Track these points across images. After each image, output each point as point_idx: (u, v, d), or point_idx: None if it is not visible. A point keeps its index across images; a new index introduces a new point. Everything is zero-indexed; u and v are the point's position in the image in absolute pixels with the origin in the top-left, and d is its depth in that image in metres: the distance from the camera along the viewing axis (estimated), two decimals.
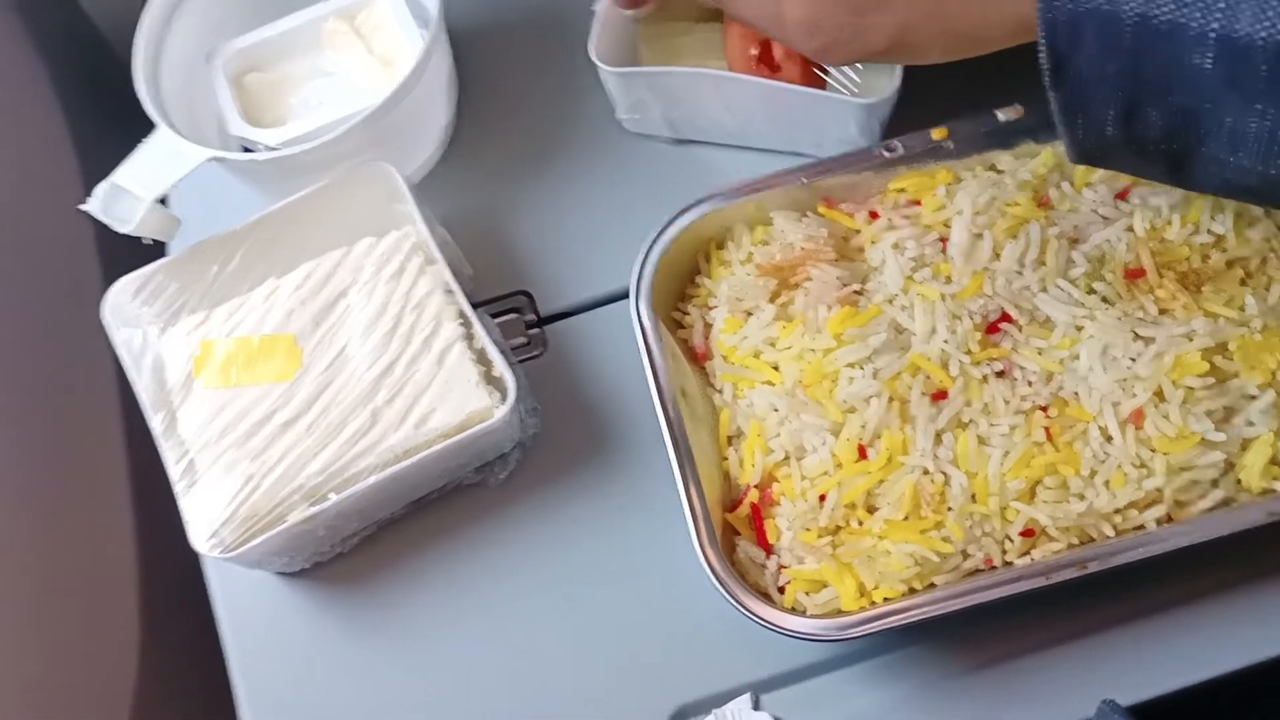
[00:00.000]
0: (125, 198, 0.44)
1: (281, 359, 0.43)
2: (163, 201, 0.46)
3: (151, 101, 0.46)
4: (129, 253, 0.47)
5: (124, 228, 0.44)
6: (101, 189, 0.44)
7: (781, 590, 0.40)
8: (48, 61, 0.60)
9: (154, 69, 0.48)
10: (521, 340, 0.48)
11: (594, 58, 0.47)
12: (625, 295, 0.44)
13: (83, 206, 0.44)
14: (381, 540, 0.45)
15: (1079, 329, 0.41)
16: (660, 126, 0.50)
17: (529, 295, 0.49)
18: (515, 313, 0.49)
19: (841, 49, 0.37)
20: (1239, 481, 0.39)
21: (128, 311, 0.45)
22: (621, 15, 0.48)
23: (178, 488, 0.42)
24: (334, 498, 0.41)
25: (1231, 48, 0.28)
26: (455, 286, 0.44)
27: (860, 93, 0.47)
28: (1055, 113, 0.33)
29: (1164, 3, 0.29)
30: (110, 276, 0.46)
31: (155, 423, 0.43)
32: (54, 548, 0.48)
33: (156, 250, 0.49)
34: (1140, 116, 0.32)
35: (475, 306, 0.48)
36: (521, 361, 0.47)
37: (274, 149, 0.47)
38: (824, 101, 0.45)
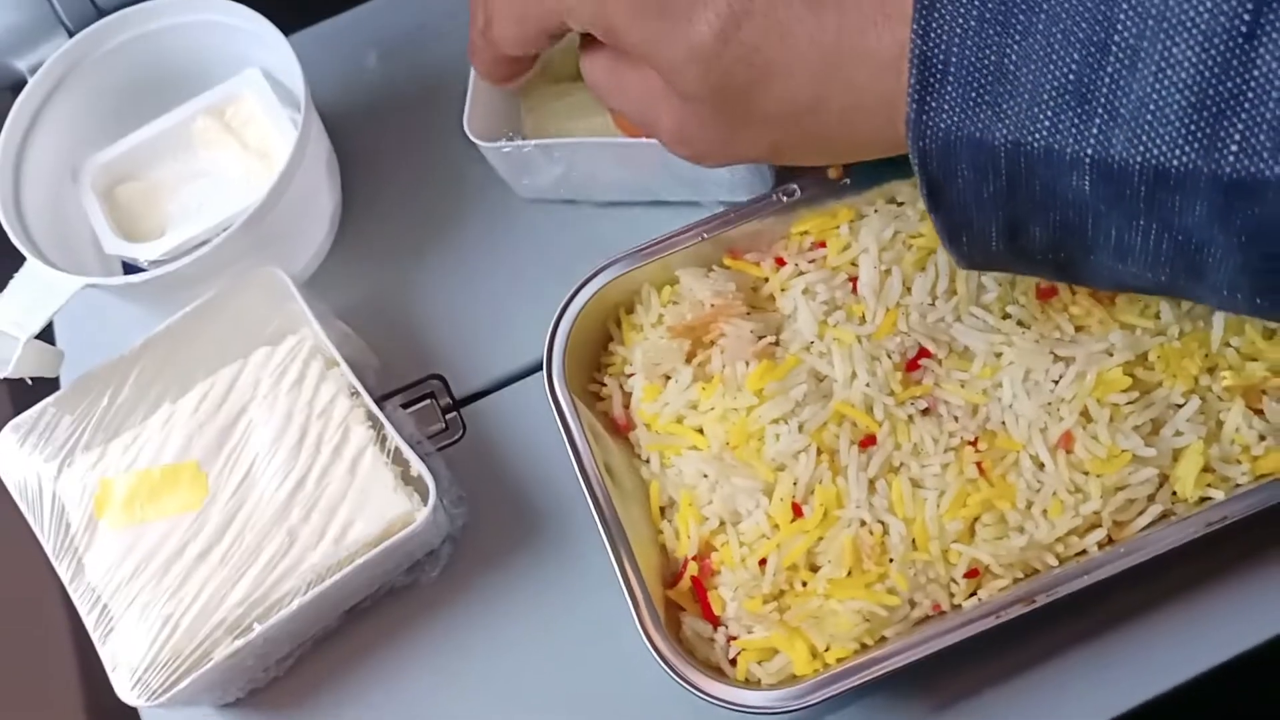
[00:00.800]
0: (0, 339, 0.41)
1: (186, 488, 0.41)
2: (47, 333, 0.44)
3: (16, 232, 0.44)
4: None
5: (2, 371, 0.41)
6: None
7: (733, 662, 0.39)
8: None
9: (15, 196, 0.45)
10: (439, 427, 0.47)
11: (470, 135, 0.45)
12: (539, 368, 0.43)
13: None
14: (317, 657, 0.43)
15: (998, 356, 0.40)
16: (555, 191, 0.48)
17: (442, 379, 0.48)
18: (430, 398, 0.47)
19: (714, 158, 0.37)
20: (1174, 493, 0.38)
21: (19, 456, 0.43)
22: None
23: (94, 636, 0.40)
24: (259, 627, 0.39)
25: (1108, 171, 0.27)
26: (360, 387, 0.42)
27: None
28: (939, 232, 0.32)
29: (1037, 129, 0.28)
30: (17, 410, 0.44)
31: (61, 570, 0.41)
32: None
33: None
34: (1024, 232, 0.31)
35: (387, 397, 0.47)
36: (440, 449, 0.46)
37: (154, 263, 0.45)
38: None
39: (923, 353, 0.41)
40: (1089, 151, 0.27)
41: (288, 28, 0.48)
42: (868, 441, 0.40)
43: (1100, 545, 0.38)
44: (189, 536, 0.41)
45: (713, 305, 0.42)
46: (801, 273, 0.42)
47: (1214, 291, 0.30)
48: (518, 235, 0.50)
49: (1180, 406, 0.39)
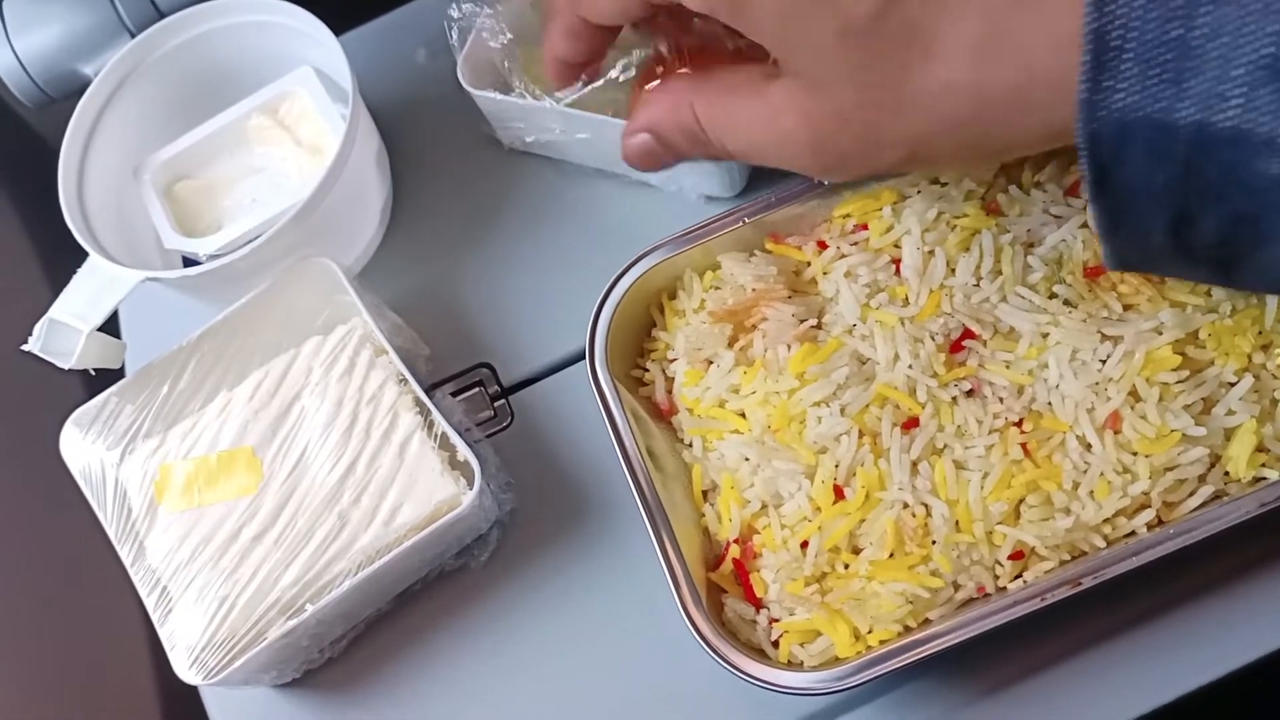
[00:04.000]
0: (64, 331, 0.43)
1: (242, 473, 0.43)
2: (112, 326, 0.46)
3: (79, 228, 0.45)
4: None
5: (66, 362, 0.43)
6: (39, 326, 0.43)
7: (775, 644, 0.39)
8: (7, 187, 0.61)
9: (79, 194, 0.47)
10: (488, 414, 0.47)
11: (463, 82, 0.47)
12: (584, 355, 0.43)
13: (24, 346, 0.43)
14: (370, 639, 0.44)
15: (1044, 336, 0.39)
16: (538, 148, 0.50)
17: (490, 367, 0.48)
18: (479, 386, 0.48)
19: (851, 165, 0.34)
20: (1227, 474, 0.38)
21: (83, 444, 0.44)
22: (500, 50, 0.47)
23: (154, 617, 0.42)
24: (311, 608, 0.40)
25: None
26: (408, 374, 0.43)
27: None
28: (1096, 223, 0.30)
29: (1227, 107, 0.26)
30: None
31: (124, 553, 0.43)
32: (71, 679, 0.48)
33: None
34: (1191, 225, 0.29)
35: (436, 386, 0.47)
36: (489, 436, 0.46)
37: (211, 256, 0.46)
38: None
39: (967, 334, 0.40)
40: None
41: (339, 27, 0.49)
42: (910, 424, 0.39)
43: (1149, 527, 0.37)
44: (244, 520, 0.42)
45: (754, 289, 0.42)
46: (843, 255, 0.42)
47: None
48: (562, 225, 0.50)
49: (1233, 385, 0.38)
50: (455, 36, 0.48)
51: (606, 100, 0.44)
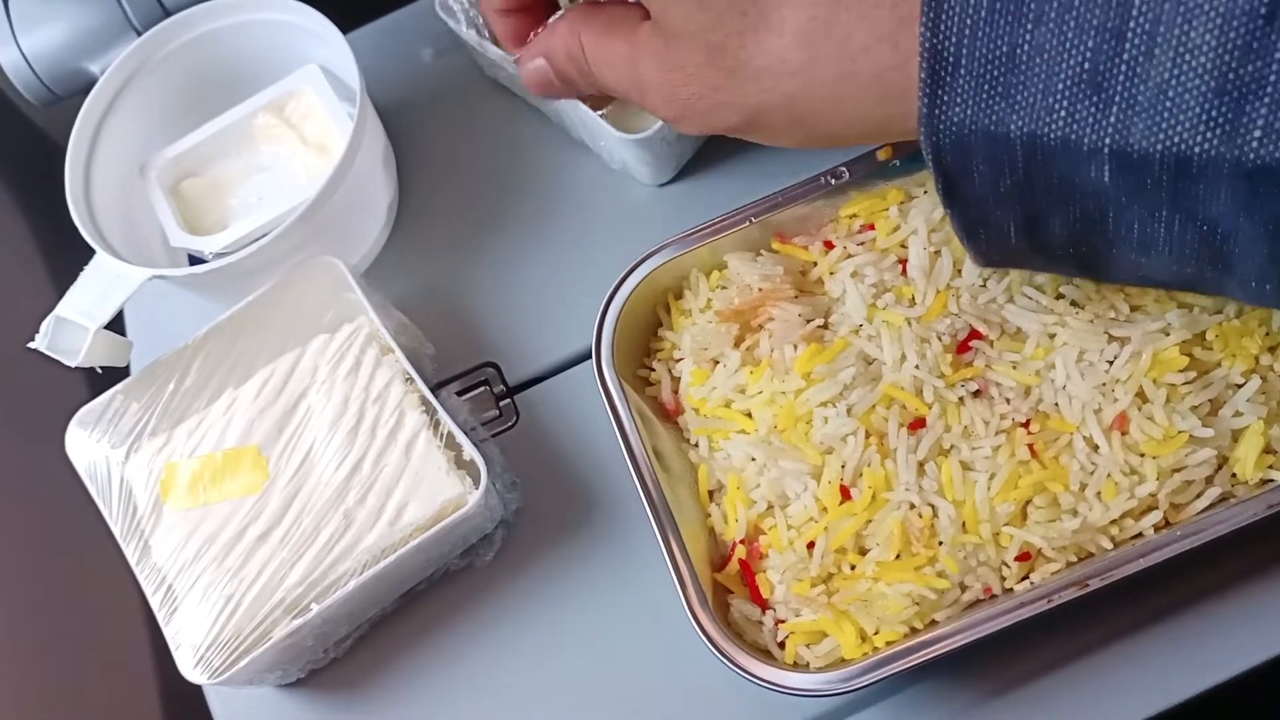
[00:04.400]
0: (70, 329, 0.43)
1: (247, 472, 0.43)
2: (118, 324, 0.46)
3: (86, 226, 0.45)
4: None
5: (72, 360, 0.43)
6: (46, 324, 0.43)
7: (782, 645, 0.39)
8: (12, 185, 0.61)
9: (85, 192, 0.47)
10: (493, 414, 0.47)
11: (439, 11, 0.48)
12: (591, 355, 0.43)
13: (31, 344, 0.43)
14: (375, 639, 0.44)
15: (1051, 337, 0.39)
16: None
17: (496, 366, 0.48)
18: (484, 385, 0.48)
19: (695, 118, 0.35)
20: (1234, 475, 0.37)
21: (88, 442, 0.44)
22: None
23: (159, 616, 0.42)
24: (316, 607, 0.40)
25: (1127, 161, 0.27)
26: (414, 373, 0.43)
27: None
28: (955, 228, 0.32)
29: (1053, 119, 0.27)
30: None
31: (129, 552, 0.43)
32: (76, 677, 0.48)
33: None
34: (1043, 227, 0.30)
35: (441, 385, 0.47)
36: (495, 435, 0.46)
37: (218, 254, 0.46)
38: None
39: (974, 334, 0.40)
40: (1107, 141, 0.27)
41: (346, 25, 0.49)
42: (917, 424, 0.39)
43: (1157, 528, 0.37)
44: (250, 519, 0.42)
45: (761, 289, 0.42)
46: (850, 255, 0.42)
47: (1242, 285, 0.29)
48: (569, 225, 0.50)
49: (1240, 386, 0.38)
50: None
51: None
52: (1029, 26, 0.27)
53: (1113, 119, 0.26)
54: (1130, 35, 0.26)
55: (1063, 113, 0.27)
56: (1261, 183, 0.25)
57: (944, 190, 0.30)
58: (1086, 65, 0.26)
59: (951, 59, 0.28)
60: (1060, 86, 0.27)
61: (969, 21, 0.27)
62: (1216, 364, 0.38)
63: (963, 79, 0.28)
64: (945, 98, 0.28)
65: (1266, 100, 0.24)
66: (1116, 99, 0.26)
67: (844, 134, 0.33)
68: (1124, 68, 0.26)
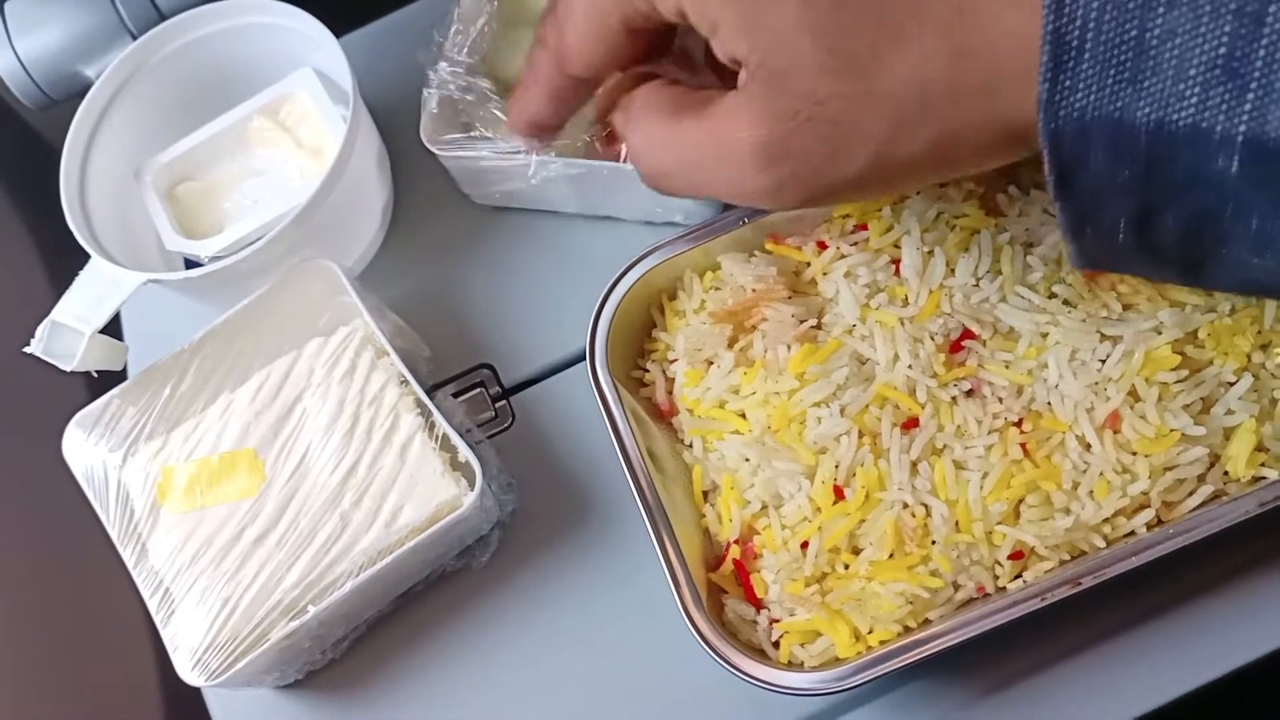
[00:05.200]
0: (66, 334, 0.43)
1: (244, 475, 0.43)
2: (114, 328, 0.46)
3: (81, 230, 0.45)
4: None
5: (68, 365, 0.43)
6: (42, 328, 0.43)
7: (776, 645, 0.39)
8: (9, 189, 0.61)
9: (81, 196, 0.47)
10: (489, 415, 0.47)
11: (426, 142, 0.46)
12: (585, 356, 0.43)
13: (27, 349, 0.43)
14: (372, 640, 0.44)
15: (1044, 336, 0.39)
16: (506, 200, 0.50)
17: (491, 368, 0.48)
18: (480, 387, 0.48)
19: (804, 179, 0.31)
20: (1226, 473, 0.38)
21: (86, 446, 0.44)
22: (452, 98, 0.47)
23: (157, 619, 0.42)
24: (313, 609, 0.40)
25: (1261, 150, 0.25)
26: (409, 376, 0.43)
27: None
28: (1061, 223, 0.30)
29: (1183, 106, 0.26)
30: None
31: (126, 555, 0.43)
32: (75, 681, 0.48)
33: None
34: (1155, 222, 0.29)
35: (437, 387, 0.48)
36: (490, 437, 0.47)
37: (213, 258, 0.47)
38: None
39: (966, 334, 0.40)
40: (1241, 129, 0.25)
41: (340, 29, 0.49)
42: (910, 424, 0.39)
43: (1149, 526, 0.37)
44: (246, 521, 0.42)
45: (754, 290, 0.42)
46: (843, 256, 0.42)
47: None
48: (563, 227, 0.50)
49: (1232, 384, 0.38)
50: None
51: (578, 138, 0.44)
52: (1160, 10, 0.26)
53: (1248, 106, 0.25)
54: (1270, 19, 0.25)
55: (1194, 99, 0.26)
56: None
57: (1058, 182, 0.29)
58: (1222, 50, 0.25)
59: (1075, 43, 0.27)
60: (1193, 72, 0.26)
61: (1095, 5, 0.26)
62: (1208, 362, 0.38)
63: (1087, 64, 0.27)
64: (1068, 83, 0.27)
65: None
66: (1253, 85, 0.25)
67: (983, 150, 0.31)
68: (1262, 53, 0.25)
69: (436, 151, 0.46)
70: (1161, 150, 0.27)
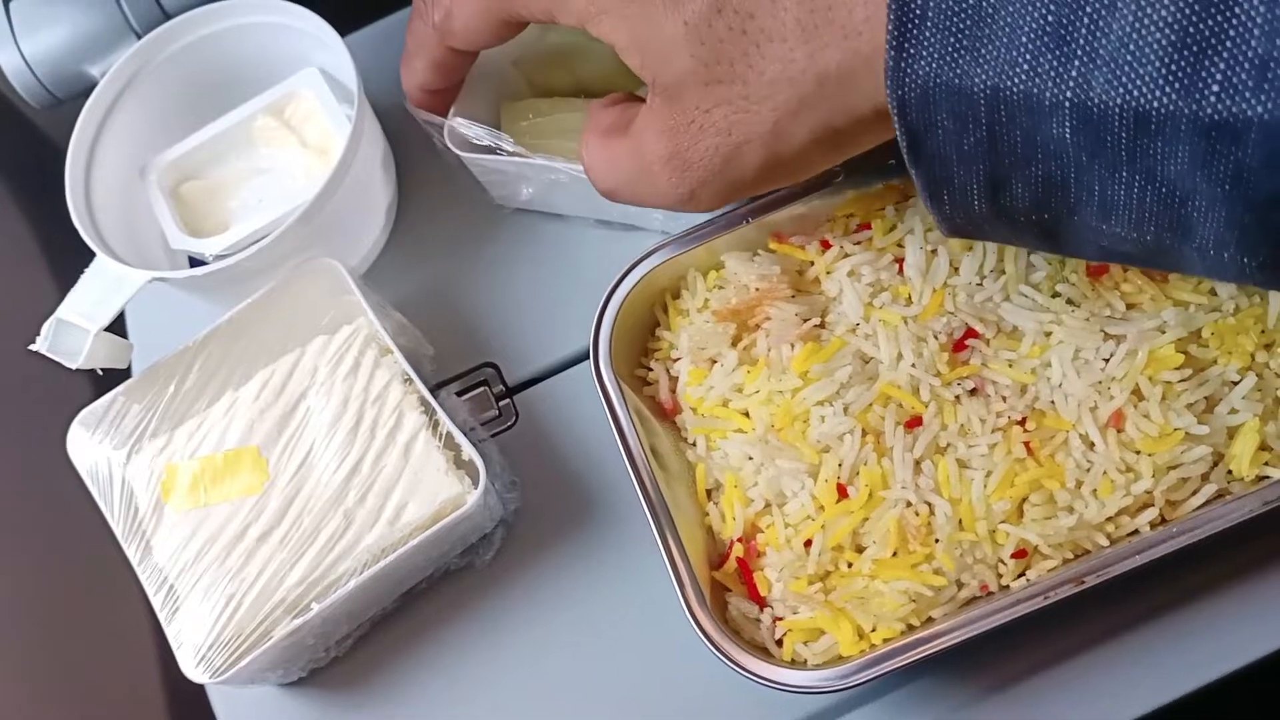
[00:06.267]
0: (71, 331, 0.43)
1: (248, 472, 0.43)
2: (119, 326, 0.46)
3: (86, 228, 0.46)
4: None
5: (73, 362, 0.43)
6: (47, 326, 0.43)
7: (779, 643, 0.39)
8: (14, 188, 0.61)
9: (86, 194, 0.47)
10: (492, 414, 0.47)
11: (451, 145, 0.46)
12: (589, 355, 0.43)
13: (32, 346, 0.44)
14: (376, 637, 0.44)
15: (1047, 335, 0.40)
16: (527, 203, 0.50)
17: (495, 366, 0.49)
18: (483, 386, 0.48)
19: (713, 183, 0.34)
20: (1230, 472, 0.38)
21: (90, 444, 0.44)
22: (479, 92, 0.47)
23: (161, 616, 0.42)
24: (316, 607, 0.40)
25: (1087, 115, 0.26)
26: (413, 374, 0.43)
27: None
28: (919, 190, 0.31)
29: (1015, 73, 0.27)
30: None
31: (130, 552, 0.43)
32: (79, 677, 0.48)
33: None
34: (1006, 189, 0.30)
35: (441, 385, 0.48)
36: (494, 435, 0.47)
37: (218, 257, 0.47)
38: None
39: (970, 333, 0.40)
40: (1068, 95, 0.27)
41: (344, 28, 0.49)
42: (913, 423, 0.39)
43: (1153, 525, 0.37)
44: (250, 519, 0.42)
45: (758, 289, 0.42)
46: (847, 255, 0.42)
47: (1201, 253, 0.29)
48: (567, 225, 0.50)
49: (1236, 383, 0.38)
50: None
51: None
52: None
53: (1074, 73, 0.26)
54: None
55: (1025, 66, 0.27)
56: (1218, 138, 0.25)
57: (909, 148, 0.30)
58: (1050, 18, 0.26)
59: (919, 12, 0.28)
60: (1024, 40, 0.27)
61: None
62: (1212, 361, 0.38)
63: (929, 32, 0.28)
64: (911, 51, 0.28)
65: (1225, 54, 0.24)
66: (1079, 52, 0.26)
67: (863, 133, 0.32)
68: (1086, 20, 0.26)
69: (463, 155, 0.46)
70: (1000, 116, 0.28)
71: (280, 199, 0.48)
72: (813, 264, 0.43)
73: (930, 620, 0.38)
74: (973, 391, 0.40)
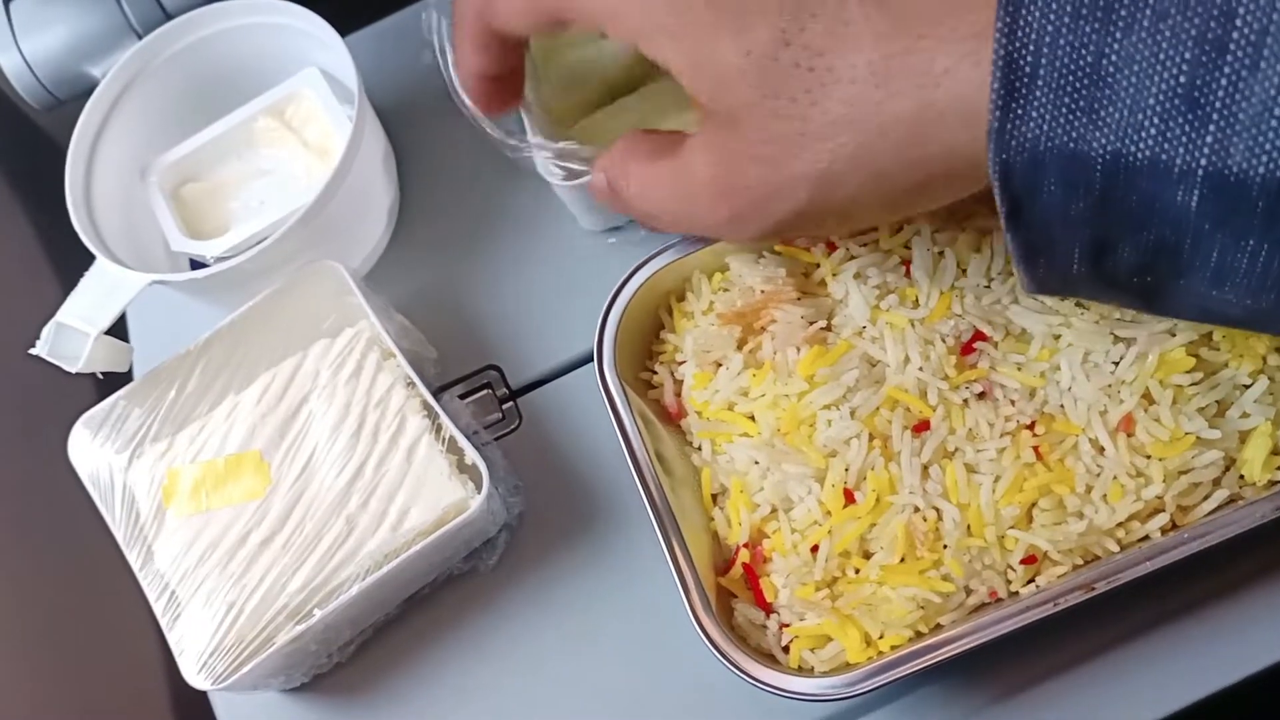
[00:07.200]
0: (71, 335, 0.43)
1: (250, 477, 0.42)
2: (120, 329, 0.45)
3: (86, 231, 0.45)
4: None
5: (73, 366, 0.43)
6: (47, 330, 0.43)
7: (786, 649, 0.39)
8: (15, 189, 0.61)
9: (86, 196, 0.47)
10: (496, 417, 0.47)
11: (546, 177, 0.45)
12: (593, 357, 0.43)
13: (32, 350, 0.43)
14: (379, 643, 0.44)
15: (1056, 338, 0.39)
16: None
17: (498, 369, 0.48)
18: (487, 389, 0.48)
19: (756, 213, 0.32)
20: (1242, 477, 0.37)
21: (91, 448, 0.44)
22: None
23: (163, 622, 0.42)
24: (319, 613, 0.40)
25: (1223, 184, 0.24)
26: (415, 377, 0.43)
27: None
28: (1013, 254, 0.29)
29: (1141, 138, 0.25)
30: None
31: (132, 558, 0.43)
32: (80, 683, 0.48)
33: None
34: (1111, 254, 0.28)
35: (444, 389, 0.47)
36: (498, 439, 0.46)
37: (219, 259, 0.46)
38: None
39: (978, 336, 0.40)
40: (1202, 163, 0.24)
41: (345, 28, 0.49)
42: (921, 427, 0.39)
43: (1164, 530, 0.37)
44: (252, 524, 0.42)
45: (763, 291, 0.42)
46: (853, 257, 0.42)
47: None
48: (571, 226, 0.50)
49: (1247, 387, 0.37)
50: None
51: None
52: (1118, 35, 0.25)
53: (1209, 139, 0.24)
54: (1233, 47, 0.23)
55: (1153, 131, 0.25)
56: None
57: (1009, 215, 0.28)
58: (1182, 79, 0.24)
59: (1029, 68, 0.26)
60: (1151, 102, 0.25)
61: (1049, 28, 0.25)
62: (1223, 365, 0.38)
63: (1040, 91, 0.26)
64: (1020, 111, 0.26)
65: None
66: (1215, 117, 0.24)
67: (927, 189, 0.30)
68: (1225, 83, 0.24)
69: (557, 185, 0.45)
70: (1118, 183, 0.26)
71: (281, 200, 0.48)
72: (818, 266, 0.43)
73: (938, 627, 0.37)
74: (981, 395, 0.39)
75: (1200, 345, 0.38)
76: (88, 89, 0.50)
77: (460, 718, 0.43)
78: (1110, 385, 0.38)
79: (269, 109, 0.49)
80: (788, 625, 0.39)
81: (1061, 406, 0.38)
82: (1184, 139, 0.25)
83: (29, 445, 0.52)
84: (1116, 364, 0.38)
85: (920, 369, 0.39)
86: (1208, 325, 0.38)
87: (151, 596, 0.42)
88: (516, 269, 0.50)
